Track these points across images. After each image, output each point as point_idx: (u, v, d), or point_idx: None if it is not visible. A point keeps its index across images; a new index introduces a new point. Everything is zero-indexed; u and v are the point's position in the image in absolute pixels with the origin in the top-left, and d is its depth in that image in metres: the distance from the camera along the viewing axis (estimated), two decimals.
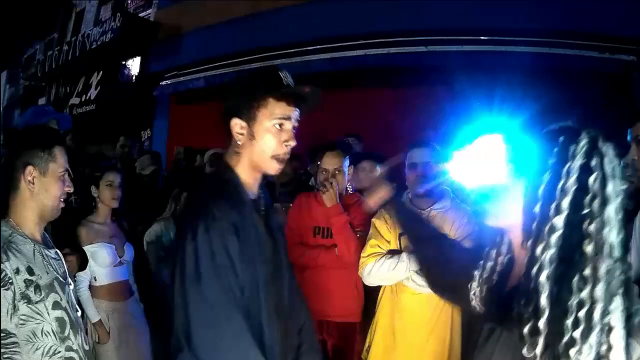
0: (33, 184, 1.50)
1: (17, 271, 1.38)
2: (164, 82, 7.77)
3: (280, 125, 1.41)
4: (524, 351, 0.86)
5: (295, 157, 4.33)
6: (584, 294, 0.84)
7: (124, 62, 8.55)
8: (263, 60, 6.21)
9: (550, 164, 0.92)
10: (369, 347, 2.38)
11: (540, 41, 4.65)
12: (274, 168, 1.45)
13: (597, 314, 0.83)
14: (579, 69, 4.59)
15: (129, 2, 9.16)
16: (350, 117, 5.76)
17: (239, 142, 1.43)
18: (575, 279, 0.85)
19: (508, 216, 0.99)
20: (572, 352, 0.82)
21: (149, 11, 8.63)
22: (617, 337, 0.84)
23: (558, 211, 0.89)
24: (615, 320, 0.84)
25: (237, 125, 1.42)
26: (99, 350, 2.70)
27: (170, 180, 4.36)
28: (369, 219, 2.53)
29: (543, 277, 0.87)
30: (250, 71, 1.52)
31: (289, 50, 5.96)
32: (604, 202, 0.88)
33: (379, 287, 2.41)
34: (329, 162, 2.73)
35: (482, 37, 4.91)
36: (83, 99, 9.38)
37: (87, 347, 1.56)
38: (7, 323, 1.35)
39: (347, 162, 2.79)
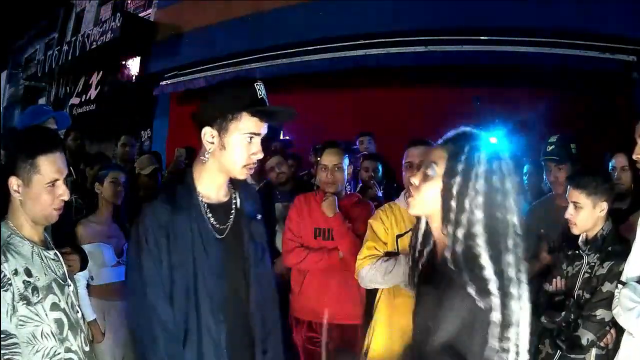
0: (19, 192, 1.44)
1: (16, 272, 1.38)
2: (164, 82, 7.76)
3: (251, 138, 1.48)
4: (481, 304, 1.13)
5: (295, 157, 4.33)
6: (505, 261, 1.15)
7: (124, 62, 8.55)
8: (263, 60, 6.21)
9: (459, 169, 1.17)
10: (367, 349, 2.37)
11: (540, 41, 4.65)
12: (243, 175, 1.53)
13: (512, 273, 1.15)
14: (579, 69, 4.59)
15: (129, 2, 9.16)
16: (350, 117, 5.76)
17: (208, 150, 1.49)
18: (501, 252, 1.16)
19: (428, 206, 1.24)
20: (512, 302, 1.14)
21: (149, 11, 8.63)
22: (525, 290, 1.16)
23: (475, 205, 1.15)
24: (522, 277, 1.17)
25: (209, 134, 1.48)
26: (94, 349, 2.71)
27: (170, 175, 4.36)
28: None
29: (484, 259, 1.14)
30: (227, 83, 1.57)
31: (289, 50, 5.96)
32: (505, 195, 1.17)
33: (378, 289, 2.39)
34: (329, 158, 2.74)
35: (482, 37, 4.91)
36: (83, 99, 9.38)
37: (87, 348, 1.55)
38: (7, 324, 1.34)
39: (346, 161, 2.79)
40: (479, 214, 1.15)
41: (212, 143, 1.48)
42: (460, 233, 1.16)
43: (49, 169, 1.45)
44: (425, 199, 1.23)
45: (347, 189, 2.87)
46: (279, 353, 1.70)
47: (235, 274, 1.56)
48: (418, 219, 1.35)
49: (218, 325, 1.48)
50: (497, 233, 1.16)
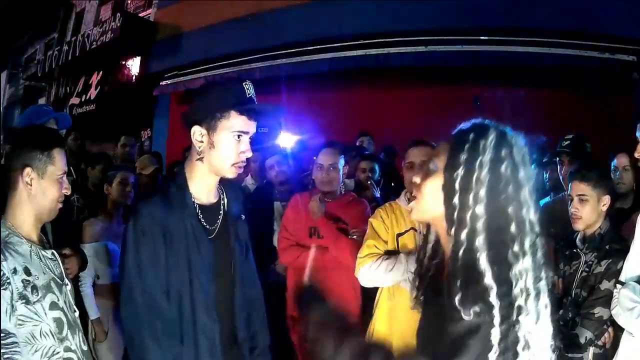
0: (31, 185, 1.48)
1: (15, 271, 1.38)
2: (164, 82, 7.76)
3: (239, 137, 1.49)
4: (471, 319, 0.93)
5: (295, 157, 4.33)
6: (518, 266, 0.95)
7: (124, 62, 8.55)
8: (263, 60, 6.22)
9: (462, 160, 1.00)
10: None
11: (540, 41, 4.65)
12: (232, 173, 1.54)
13: (529, 282, 0.95)
14: (579, 69, 4.59)
15: (129, 2, 9.16)
16: (350, 117, 5.76)
17: (198, 149, 1.51)
18: (509, 255, 0.95)
19: (431, 210, 1.06)
20: (522, 317, 0.93)
21: (149, 11, 8.64)
22: (542, 303, 0.96)
23: (477, 200, 0.97)
24: (542, 288, 0.96)
25: (198, 132, 1.50)
26: (96, 348, 2.72)
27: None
28: (364, 219, 2.52)
29: (483, 262, 0.95)
30: (215, 83, 1.59)
31: (289, 50, 5.96)
32: (518, 187, 0.98)
33: (377, 288, 2.40)
34: (325, 158, 2.76)
35: (482, 37, 4.91)
36: (83, 99, 9.38)
37: (85, 347, 1.56)
38: (6, 323, 1.34)
39: (342, 161, 2.81)
40: (479, 209, 0.97)
41: (202, 142, 1.50)
42: (463, 235, 0.97)
43: (62, 161, 1.53)
44: (427, 200, 1.07)
45: (342, 189, 2.89)
46: (266, 350, 1.74)
47: (224, 273, 1.59)
48: (427, 229, 1.18)
49: (212, 324, 1.51)
50: (504, 231, 0.97)
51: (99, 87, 9.04)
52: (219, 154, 1.49)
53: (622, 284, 1.87)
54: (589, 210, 2.10)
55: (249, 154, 1.53)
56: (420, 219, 1.15)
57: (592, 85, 4.68)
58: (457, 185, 0.99)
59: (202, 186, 1.56)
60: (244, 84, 1.50)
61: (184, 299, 1.47)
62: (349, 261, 2.34)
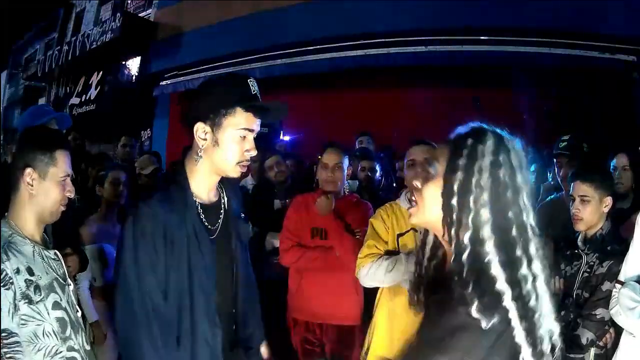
0: (32, 186, 1.47)
1: (18, 271, 1.38)
2: (164, 82, 7.76)
3: (244, 134, 1.45)
4: (484, 324, 0.94)
5: (295, 157, 4.33)
6: (523, 270, 0.97)
7: (124, 62, 8.54)
8: (263, 60, 6.21)
9: (461, 165, 1.02)
10: (368, 349, 2.37)
11: (540, 41, 4.65)
12: (236, 172, 1.50)
13: (540, 286, 0.98)
14: (579, 69, 4.59)
15: (129, 2, 9.16)
16: (350, 117, 5.76)
17: (201, 147, 1.46)
18: (516, 259, 0.98)
19: (430, 215, 1.08)
20: (536, 316, 0.96)
21: (149, 11, 8.63)
22: (545, 304, 0.99)
23: (481, 204, 0.99)
24: (542, 289, 1.00)
25: (201, 130, 1.45)
26: (95, 351, 2.70)
27: None
28: (368, 220, 2.52)
29: (495, 267, 0.96)
30: (220, 77, 1.53)
31: (289, 50, 5.96)
32: (517, 192, 1.00)
33: (378, 288, 2.40)
34: (330, 157, 2.76)
35: (482, 37, 4.91)
36: (83, 99, 9.37)
37: (88, 347, 1.56)
38: (8, 322, 1.34)
39: (346, 161, 2.81)
40: (485, 214, 0.99)
41: (205, 140, 1.45)
42: (465, 236, 0.99)
43: (65, 164, 1.51)
44: (428, 205, 1.08)
45: (345, 190, 2.89)
46: (260, 340, 1.74)
47: (224, 274, 1.56)
48: (426, 230, 1.19)
49: (213, 327, 1.47)
50: (508, 236, 0.99)
51: (99, 87, 9.03)
52: (224, 152, 1.45)
53: (622, 283, 1.87)
54: (590, 211, 2.10)
55: (254, 153, 1.49)
56: (420, 223, 1.15)
57: (592, 85, 4.68)
58: (455, 189, 1.01)
59: (203, 185, 1.52)
60: (248, 80, 1.47)
61: (183, 300, 1.43)
62: (352, 261, 2.34)
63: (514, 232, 0.99)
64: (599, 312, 1.98)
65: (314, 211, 2.74)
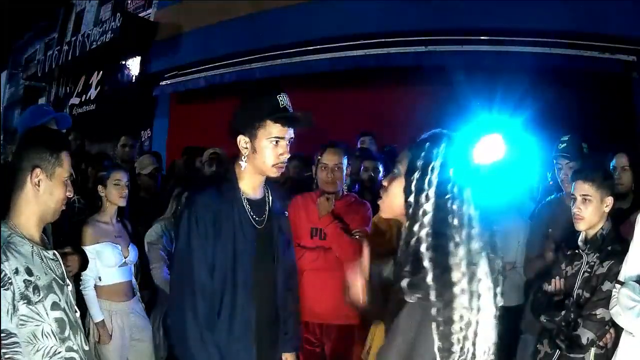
0: (39, 186, 1.50)
1: (17, 271, 1.38)
2: (164, 82, 7.76)
3: (277, 142, 1.73)
4: (410, 298, 1.13)
5: (296, 157, 4.32)
6: (459, 254, 1.12)
7: (124, 62, 8.55)
8: (263, 60, 6.21)
9: (419, 165, 1.19)
10: (370, 348, 2.37)
11: (540, 41, 4.65)
12: (274, 173, 1.79)
13: (463, 267, 1.11)
14: (579, 69, 4.59)
15: (129, 2, 9.16)
16: (350, 117, 5.76)
17: (244, 154, 1.77)
18: (451, 245, 1.13)
19: (395, 208, 1.26)
20: (459, 296, 1.10)
21: (149, 11, 8.62)
22: (484, 286, 1.13)
23: (427, 198, 1.16)
24: (481, 273, 1.13)
25: (242, 141, 1.76)
26: (100, 350, 2.71)
27: (171, 180, 4.36)
28: (367, 220, 2.52)
29: (423, 248, 1.13)
30: (253, 92, 1.83)
31: (289, 50, 5.96)
32: (461, 188, 1.16)
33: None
34: (329, 157, 2.77)
35: (482, 37, 4.91)
36: (83, 99, 9.37)
37: (86, 348, 1.56)
38: (7, 323, 1.35)
39: (345, 162, 2.81)
40: (428, 207, 1.15)
41: (246, 148, 1.75)
42: (416, 227, 1.16)
43: (68, 164, 1.57)
44: (391, 200, 1.26)
45: (344, 190, 2.89)
46: (297, 333, 2.02)
47: (267, 260, 1.83)
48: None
49: (249, 302, 1.73)
50: (445, 224, 1.14)
51: (99, 87, 9.03)
52: (261, 157, 1.74)
53: (622, 283, 1.87)
54: (591, 210, 2.10)
55: (287, 156, 1.77)
56: (387, 216, 1.35)
57: (592, 85, 4.67)
58: (413, 187, 1.18)
59: (249, 183, 1.81)
60: (278, 96, 1.72)
61: (227, 277, 1.70)
62: (351, 261, 2.34)
63: (455, 222, 1.14)
64: (600, 312, 1.98)
65: (313, 211, 2.74)
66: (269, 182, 1.90)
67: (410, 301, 1.13)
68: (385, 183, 1.30)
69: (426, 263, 1.11)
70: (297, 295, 2.04)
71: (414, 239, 1.16)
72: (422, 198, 1.16)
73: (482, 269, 1.14)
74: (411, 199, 1.18)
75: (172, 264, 1.80)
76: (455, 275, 1.10)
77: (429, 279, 1.10)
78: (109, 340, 2.73)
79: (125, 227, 2.97)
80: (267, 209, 1.86)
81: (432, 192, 1.16)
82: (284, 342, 1.93)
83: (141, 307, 2.99)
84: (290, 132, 1.76)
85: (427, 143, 1.21)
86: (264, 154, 1.73)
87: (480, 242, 1.15)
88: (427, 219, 1.15)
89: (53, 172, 1.52)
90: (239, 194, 1.78)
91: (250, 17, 6.48)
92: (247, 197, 1.80)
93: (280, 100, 1.73)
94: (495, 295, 1.17)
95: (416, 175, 1.18)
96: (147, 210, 3.59)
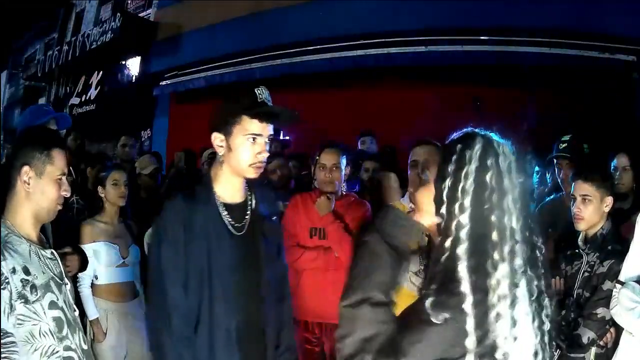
0: (29, 184, 1.48)
1: (14, 271, 1.38)
2: (164, 82, 7.76)
3: (254, 139, 1.59)
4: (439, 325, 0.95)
5: (296, 157, 4.32)
6: (497, 274, 0.97)
7: (124, 62, 8.54)
8: (263, 60, 6.21)
9: (450, 171, 1.04)
10: None
11: (540, 41, 4.65)
12: (252, 173, 1.64)
13: (505, 288, 0.97)
14: (579, 69, 4.59)
15: (129, 2, 9.16)
16: (350, 117, 5.76)
17: (220, 153, 1.64)
18: (488, 264, 0.97)
19: (426, 220, 1.11)
20: (498, 323, 0.95)
21: (149, 11, 8.63)
22: (522, 311, 0.98)
23: (462, 210, 1.01)
24: (520, 294, 0.98)
25: (217, 138, 1.63)
26: (95, 349, 2.71)
27: (171, 180, 4.36)
28: (366, 220, 2.51)
29: (462, 269, 0.97)
30: (231, 90, 1.71)
31: (289, 50, 5.96)
32: (502, 195, 1.01)
33: None
34: (327, 157, 2.76)
35: (482, 37, 4.91)
36: (83, 99, 9.38)
37: (85, 346, 1.56)
38: (4, 322, 1.34)
39: (344, 161, 2.80)
40: (463, 218, 1.00)
41: (221, 147, 1.62)
42: (448, 242, 1.01)
43: (61, 162, 1.53)
44: (422, 211, 1.11)
45: (342, 190, 2.89)
46: (292, 348, 1.80)
47: (251, 269, 1.67)
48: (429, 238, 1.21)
49: (229, 315, 1.60)
50: (485, 240, 0.99)
51: (99, 87, 9.04)
52: (237, 156, 1.60)
53: (622, 283, 1.87)
54: (592, 210, 2.10)
55: (265, 155, 1.63)
56: (427, 226, 1.16)
57: (592, 85, 4.67)
58: (444, 196, 1.04)
59: (227, 186, 1.67)
60: (256, 89, 1.59)
61: (202, 290, 1.58)
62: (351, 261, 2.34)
63: (494, 236, 0.99)
64: (600, 311, 1.98)
65: (312, 211, 2.74)
66: (257, 184, 1.76)
67: (437, 322, 0.95)
68: (411, 189, 1.20)
69: (465, 287, 0.96)
70: (290, 304, 1.86)
71: (444, 256, 1.01)
72: (456, 209, 1.01)
73: (521, 290, 0.99)
74: (443, 210, 1.03)
75: (146, 280, 1.67)
76: (496, 300, 0.96)
77: (467, 305, 0.95)
78: (103, 338, 2.72)
79: (129, 228, 2.96)
80: (249, 213, 1.69)
81: (468, 202, 1.01)
82: (276, 357, 1.74)
83: (143, 310, 2.98)
84: (269, 129, 1.62)
85: (459, 145, 1.05)
86: (240, 152, 1.59)
87: (521, 260, 1.00)
88: (463, 234, 1.00)
89: (43, 170, 1.49)
90: (214, 198, 1.64)
91: (250, 17, 6.48)
92: (223, 201, 1.65)
93: (259, 94, 1.59)
94: (534, 320, 1.01)
95: (447, 182, 1.03)
96: (147, 210, 3.58)
